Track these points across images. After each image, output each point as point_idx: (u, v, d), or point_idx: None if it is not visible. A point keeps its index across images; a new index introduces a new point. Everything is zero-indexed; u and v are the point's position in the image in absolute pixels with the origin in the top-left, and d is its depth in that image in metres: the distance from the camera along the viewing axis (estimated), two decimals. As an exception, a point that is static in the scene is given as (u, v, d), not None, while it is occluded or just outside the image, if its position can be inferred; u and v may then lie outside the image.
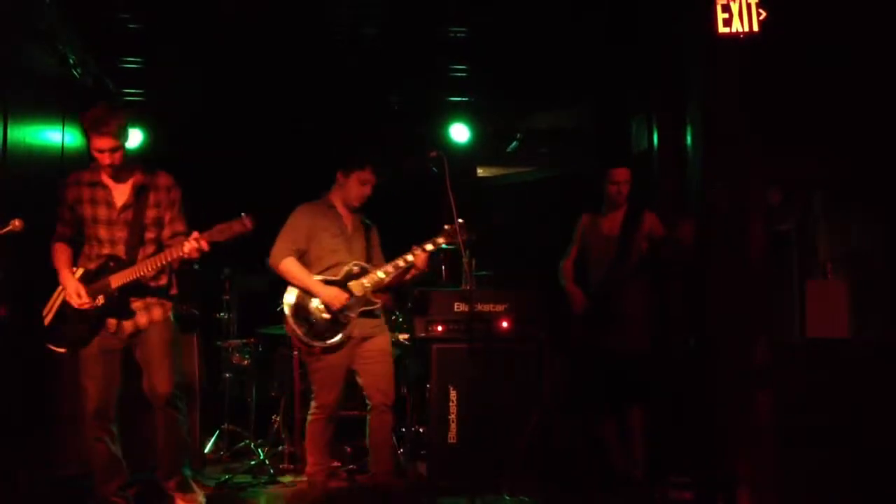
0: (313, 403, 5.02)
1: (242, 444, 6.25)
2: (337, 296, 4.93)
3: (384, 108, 7.53)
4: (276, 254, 5.01)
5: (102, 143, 4.46)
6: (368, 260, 5.16)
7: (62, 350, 4.58)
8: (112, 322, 4.58)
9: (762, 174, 4.88)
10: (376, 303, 5.09)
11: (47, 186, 5.02)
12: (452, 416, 5.53)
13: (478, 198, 7.88)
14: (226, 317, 6.52)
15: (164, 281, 4.72)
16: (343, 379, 5.02)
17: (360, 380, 5.06)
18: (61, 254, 4.62)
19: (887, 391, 4.44)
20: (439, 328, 5.69)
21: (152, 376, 4.62)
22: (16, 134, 5.27)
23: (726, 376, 4.79)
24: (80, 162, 6.30)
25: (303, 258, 5.02)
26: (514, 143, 8.23)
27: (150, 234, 4.64)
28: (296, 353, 6.29)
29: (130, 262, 4.54)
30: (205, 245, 4.41)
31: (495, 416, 5.40)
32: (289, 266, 4.98)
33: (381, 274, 5.01)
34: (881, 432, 4.42)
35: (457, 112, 7.60)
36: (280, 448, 6.04)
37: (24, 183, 5.29)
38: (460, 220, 4.88)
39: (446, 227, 4.96)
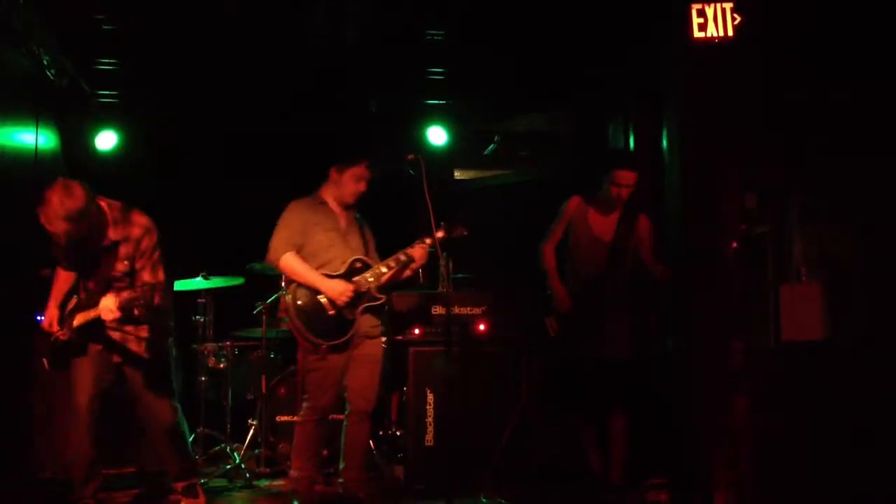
0: (305, 405, 4.85)
1: (218, 447, 6.21)
2: (343, 291, 4.76)
3: (362, 110, 7.51)
4: (274, 250, 4.85)
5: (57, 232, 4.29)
6: (366, 255, 5.03)
7: (49, 368, 4.66)
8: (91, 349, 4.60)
9: (738, 178, 4.91)
10: (380, 298, 4.94)
11: (20, 188, 4.96)
12: (429, 419, 5.53)
13: (455, 200, 7.88)
14: (201, 320, 6.48)
15: (136, 315, 4.61)
16: (340, 380, 4.87)
17: (345, 382, 4.91)
18: (58, 279, 4.74)
19: (862, 393, 4.47)
20: (416, 331, 5.69)
21: (147, 404, 4.73)
22: (-11, 135, 5.23)
23: (703, 379, 4.81)
24: (54, 164, 6.27)
25: (298, 254, 4.86)
26: (492, 146, 8.24)
27: (120, 284, 4.54)
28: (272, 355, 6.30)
29: (92, 304, 4.48)
30: (112, 307, 4.29)
31: (472, 418, 5.41)
32: (290, 261, 4.81)
33: (383, 268, 4.90)
34: (857, 434, 4.45)
35: (434, 115, 7.59)
36: (256, 452, 6.01)
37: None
38: (458, 215, 4.90)
39: (443, 222, 4.89)
